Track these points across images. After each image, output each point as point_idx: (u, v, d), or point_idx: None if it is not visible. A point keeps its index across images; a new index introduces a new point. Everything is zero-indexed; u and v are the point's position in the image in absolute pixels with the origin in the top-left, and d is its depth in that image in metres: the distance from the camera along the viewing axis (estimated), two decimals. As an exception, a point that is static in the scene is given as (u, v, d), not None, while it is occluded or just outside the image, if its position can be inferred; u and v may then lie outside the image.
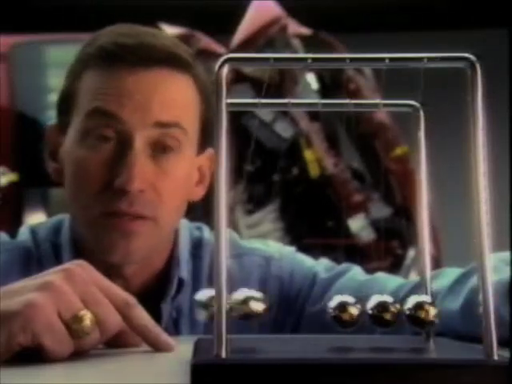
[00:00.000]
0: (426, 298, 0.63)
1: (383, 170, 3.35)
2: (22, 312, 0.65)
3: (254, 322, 0.59)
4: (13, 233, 1.05)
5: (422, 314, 0.62)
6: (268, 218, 3.28)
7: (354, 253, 3.01)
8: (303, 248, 1.19)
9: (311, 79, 3.34)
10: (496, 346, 0.56)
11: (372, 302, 0.63)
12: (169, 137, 0.94)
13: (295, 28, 3.42)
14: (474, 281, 0.83)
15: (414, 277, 2.90)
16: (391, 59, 0.59)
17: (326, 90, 3.33)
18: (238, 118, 3.06)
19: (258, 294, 0.60)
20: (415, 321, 0.62)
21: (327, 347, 0.64)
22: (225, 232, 0.57)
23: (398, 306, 0.63)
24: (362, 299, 0.64)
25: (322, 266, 1.07)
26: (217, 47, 3.30)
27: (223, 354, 0.55)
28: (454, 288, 0.87)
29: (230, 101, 0.59)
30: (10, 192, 3.61)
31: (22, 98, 3.84)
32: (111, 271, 0.94)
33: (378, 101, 0.70)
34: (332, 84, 3.37)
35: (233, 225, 3.08)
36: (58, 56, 3.68)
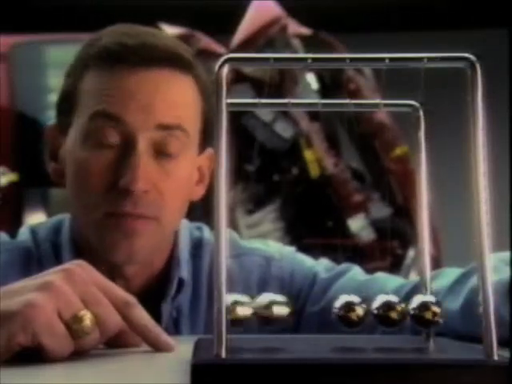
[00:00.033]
0: (431, 298, 0.63)
1: (383, 170, 3.35)
2: (22, 312, 0.65)
3: (278, 326, 0.60)
4: (13, 233, 1.05)
5: (427, 314, 0.62)
6: (268, 218, 3.28)
7: (354, 253, 3.01)
8: (303, 248, 1.19)
9: (311, 79, 3.34)
10: (496, 345, 0.56)
11: (377, 302, 0.63)
12: (171, 138, 0.94)
13: (295, 28, 3.42)
14: (473, 281, 0.83)
15: (414, 277, 2.90)
16: (391, 59, 0.59)
17: (325, 90, 3.32)
18: (238, 117, 3.06)
19: (282, 298, 0.60)
20: (420, 320, 0.62)
21: (327, 347, 0.64)
22: (225, 232, 0.57)
23: (403, 305, 0.62)
24: (366, 299, 0.64)
25: (322, 266, 1.07)
26: (217, 47, 3.30)
27: (223, 354, 0.55)
28: (454, 288, 0.87)
29: (230, 101, 0.59)
30: (10, 192, 3.61)
31: (21, 98, 3.84)
32: (113, 271, 0.94)
33: (378, 101, 0.70)
34: (332, 84, 3.37)
35: (233, 225, 3.08)
36: (58, 56, 3.68)
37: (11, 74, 3.81)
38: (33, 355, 0.66)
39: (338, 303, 0.63)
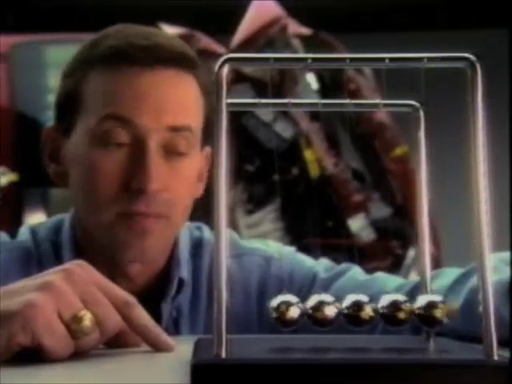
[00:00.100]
0: (438, 297, 0.63)
1: (383, 169, 3.35)
2: (22, 312, 0.65)
3: (328, 327, 0.60)
4: (13, 233, 1.05)
5: (433, 313, 0.61)
6: (268, 217, 3.28)
7: (354, 253, 3.01)
8: (303, 248, 1.19)
9: (311, 79, 3.34)
10: (496, 345, 0.56)
11: (384, 302, 0.62)
12: (181, 138, 0.94)
13: (295, 28, 3.43)
14: (473, 281, 0.83)
15: (414, 277, 2.90)
16: (391, 59, 0.59)
17: (326, 90, 3.33)
18: (238, 117, 3.06)
19: (330, 298, 0.60)
20: (425, 320, 0.62)
21: (327, 347, 0.64)
22: (225, 232, 0.57)
23: (409, 304, 0.62)
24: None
25: (321, 266, 1.07)
26: (217, 47, 3.30)
27: (223, 354, 0.55)
28: (454, 288, 0.87)
29: (230, 101, 0.59)
30: (10, 192, 3.61)
31: (22, 98, 3.84)
32: (114, 271, 0.94)
33: (378, 101, 0.70)
34: (332, 84, 3.37)
35: (233, 225, 3.09)
36: (58, 56, 3.68)
37: (11, 74, 3.81)
38: (33, 355, 0.66)
39: (346, 303, 0.62)
